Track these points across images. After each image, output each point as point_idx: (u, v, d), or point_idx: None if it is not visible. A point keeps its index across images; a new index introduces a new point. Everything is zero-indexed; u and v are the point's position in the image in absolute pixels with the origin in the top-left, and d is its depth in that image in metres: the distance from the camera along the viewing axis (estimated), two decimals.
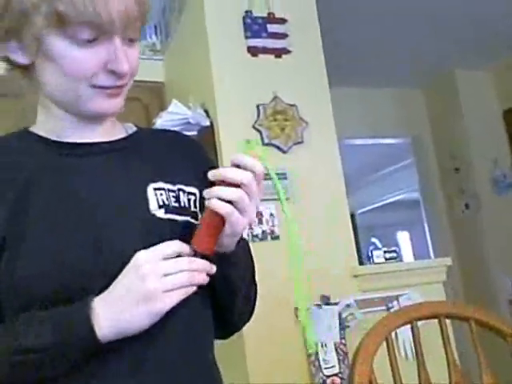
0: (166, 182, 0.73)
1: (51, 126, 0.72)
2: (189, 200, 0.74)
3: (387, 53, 3.60)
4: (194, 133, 2.13)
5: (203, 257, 0.64)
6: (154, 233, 0.67)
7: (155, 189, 0.71)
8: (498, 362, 1.53)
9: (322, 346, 1.89)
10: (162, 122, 2.11)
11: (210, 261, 0.65)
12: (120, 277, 0.61)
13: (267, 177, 0.69)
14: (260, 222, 2.01)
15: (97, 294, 0.61)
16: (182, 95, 2.34)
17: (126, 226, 0.67)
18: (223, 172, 0.64)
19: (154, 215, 0.69)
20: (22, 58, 0.68)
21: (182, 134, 0.86)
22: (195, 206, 0.74)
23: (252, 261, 0.80)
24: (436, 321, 1.16)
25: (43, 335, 0.59)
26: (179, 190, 0.74)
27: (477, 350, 1.11)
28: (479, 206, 3.83)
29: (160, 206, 0.70)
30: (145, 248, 0.63)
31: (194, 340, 0.70)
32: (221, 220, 0.65)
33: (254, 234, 1.98)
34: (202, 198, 0.68)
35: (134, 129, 0.80)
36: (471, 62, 3.87)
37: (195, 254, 0.64)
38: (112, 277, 0.61)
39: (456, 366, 1.12)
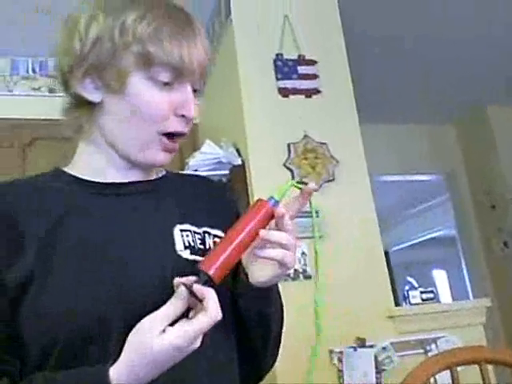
0: (192, 224, 0.74)
1: (92, 165, 0.74)
2: (214, 243, 0.74)
3: (419, 89, 3.61)
4: (226, 172, 2.17)
5: (206, 280, 0.60)
6: (180, 273, 0.66)
7: (181, 230, 0.72)
8: None
9: None
10: (194, 161, 2.15)
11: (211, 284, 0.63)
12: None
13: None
14: None
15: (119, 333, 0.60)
16: (214, 136, 2.39)
17: (151, 266, 0.67)
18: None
19: (179, 256, 0.70)
20: (94, 96, 0.70)
21: (209, 179, 0.88)
22: None
23: (282, 301, 0.80)
24: (477, 366, 1.11)
25: None
26: (205, 232, 0.74)
27: None
28: None
29: (186, 247, 0.70)
30: (171, 287, 0.62)
31: None
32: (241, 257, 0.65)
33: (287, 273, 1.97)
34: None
35: (164, 172, 0.82)
36: (503, 98, 3.83)
37: (204, 278, 0.60)
38: (135, 317, 0.60)
39: None
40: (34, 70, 2.88)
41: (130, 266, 0.66)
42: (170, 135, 0.71)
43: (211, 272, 0.60)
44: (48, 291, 0.63)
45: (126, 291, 0.64)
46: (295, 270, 1.98)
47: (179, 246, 0.70)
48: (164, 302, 0.60)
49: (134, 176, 0.75)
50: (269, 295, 0.72)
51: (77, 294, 0.63)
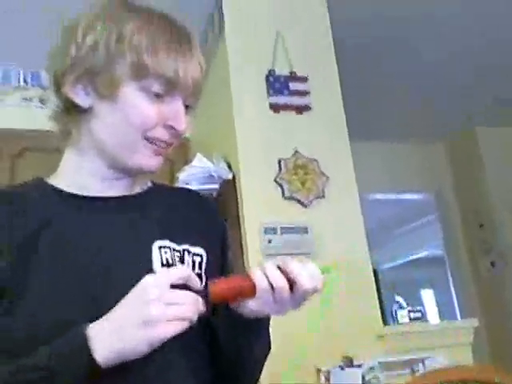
0: (172, 240, 0.73)
1: (77, 177, 0.73)
2: (193, 261, 0.74)
3: (409, 108, 3.66)
4: (217, 186, 2.16)
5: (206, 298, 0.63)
6: None
7: (160, 247, 0.71)
8: None
9: None
10: (185, 175, 2.14)
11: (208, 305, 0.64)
12: (124, 299, 0.60)
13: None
14: None
15: None
16: (206, 150, 2.39)
17: (127, 285, 0.65)
18: (289, 263, 0.66)
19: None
20: (84, 101, 0.70)
21: (197, 193, 0.87)
22: (200, 268, 0.74)
23: (269, 349, 0.78)
24: None
25: (39, 361, 0.58)
26: (184, 250, 0.73)
27: None
28: (506, 264, 3.73)
29: (163, 265, 0.70)
30: None
31: None
32: (249, 290, 0.65)
33: None
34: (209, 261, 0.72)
35: (150, 184, 0.81)
36: (491, 119, 3.89)
37: (204, 293, 0.63)
38: None
39: None
40: (25, 81, 2.87)
41: (105, 282, 0.65)
42: (157, 141, 0.71)
43: (217, 299, 0.64)
44: (20, 312, 0.62)
45: (98, 308, 0.62)
46: None
47: (156, 264, 0.69)
48: None
49: (117, 189, 0.74)
50: (248, 327, 0.70)
51: (49, 317, 0.62)
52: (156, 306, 0.57)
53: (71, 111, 0.72)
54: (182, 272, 0.62)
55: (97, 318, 0.61)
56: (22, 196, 0.72)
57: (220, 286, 0.64)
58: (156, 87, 0.68)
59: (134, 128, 0.69)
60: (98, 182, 0.73)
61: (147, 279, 0.60)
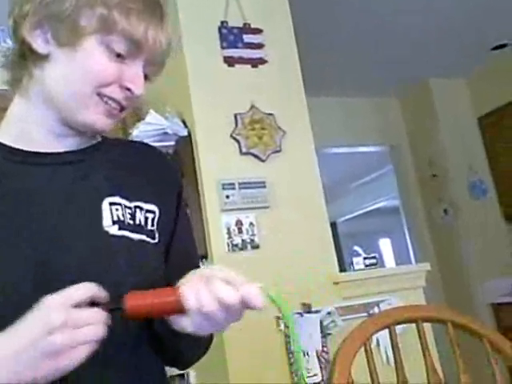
0: (123, 197, 0.71)
1: (23, 126, 0.70)
2: (146, 218, 0.72)
3: (364, 62, 3.66)
4: (172, 143, 2.13)
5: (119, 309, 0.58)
6: (105, 250, 0.66)
7: (111, 203, 0.69)
8: (475, 362, 1.54)
9: (304, 354, 1.88)
10: (138, 132, 2.09)
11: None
12: (25, 322, 0.54)
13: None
14: (240, 231, 2.00)
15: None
16: (159, 106, 2.33)
17: (74, 241, 0.65)
18: (214, 283, 0.59)
19: (106, 232, 0.67)
20: (42, 47, 0.67)
21: (152, 148, 0.84)
22: (152, 225, 0.73)
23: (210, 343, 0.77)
24: (414, 324, 1.16)
25: None
26: (136, 207, 0.72)
27: (454, 351, 1.12)
28: (457, 212, 3.89)
29: (114, 222, 0.68)
30: (94, 264, 0.62)
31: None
32: (175, 307, 0.59)
33: (234, 243, 1.98)
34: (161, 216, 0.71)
35: (99, 139, 0.78)
36: (445, 71, 3.95)
37: (119, 309, 0.58)
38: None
39: (434, 369, 1.12)
40: None
41: (53, 243, 0.63)
42: (110, 100, 0.68)
43: (128, 307, 0.58)
44: None
45: (45, 271, 0.61)
46: (243, 241, 1.99)
47: (107, 221, 0.68)
48: (81, 281, 0.57)
49: (63, 145, 0.72)
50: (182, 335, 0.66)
51: None
52: (61, 335, 0.52)
53: (27, 57, 0.69)
54: (86, 290, 0.56)
55: (44, 282, 0.60)
56: None
57: (138, 302, 0.59)
58: (120, 47, 0.66)
59: (88, 80, 0.66)
60: (44, 135, 0.71)
61: (49, 301, 0.54)
